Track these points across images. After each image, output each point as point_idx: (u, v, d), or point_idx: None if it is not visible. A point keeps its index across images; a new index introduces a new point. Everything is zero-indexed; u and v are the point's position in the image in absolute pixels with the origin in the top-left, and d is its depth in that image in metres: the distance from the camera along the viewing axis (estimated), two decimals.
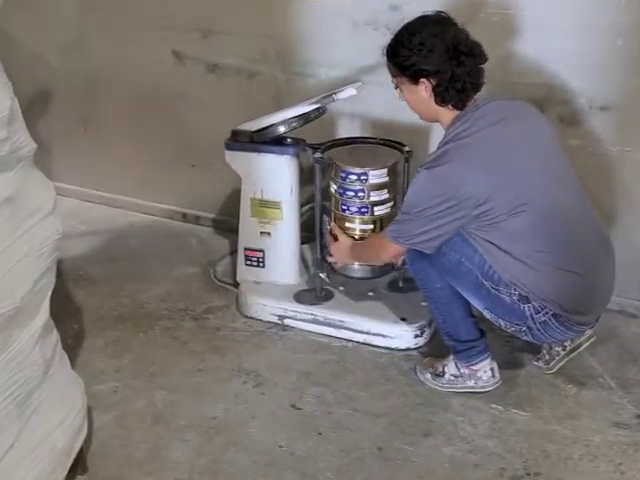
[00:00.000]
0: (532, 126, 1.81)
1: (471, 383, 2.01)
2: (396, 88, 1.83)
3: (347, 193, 2.15)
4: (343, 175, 2.14)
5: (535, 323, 1.81)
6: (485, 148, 1.74)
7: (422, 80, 1.75)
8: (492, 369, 2.01)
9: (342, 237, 2.11)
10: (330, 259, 2.16)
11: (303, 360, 2.18)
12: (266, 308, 2.34)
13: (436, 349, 2.17)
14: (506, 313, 1.83)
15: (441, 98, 1.76)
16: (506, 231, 1.75)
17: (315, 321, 2.28)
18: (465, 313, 1.96)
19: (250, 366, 2.14)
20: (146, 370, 2.13)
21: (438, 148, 1.78)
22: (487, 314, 1.88)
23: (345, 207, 2.17)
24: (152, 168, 2.97)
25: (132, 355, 2.19)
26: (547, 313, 1.78)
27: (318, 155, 2.17)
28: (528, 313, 1.80)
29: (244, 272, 2.43)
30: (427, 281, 1.93)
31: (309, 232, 2.41)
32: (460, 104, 1.76)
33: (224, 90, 2.69)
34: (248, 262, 2.41)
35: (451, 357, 2.03)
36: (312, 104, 2.21)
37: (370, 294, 2.34)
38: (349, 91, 2.15)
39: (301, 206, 2.38)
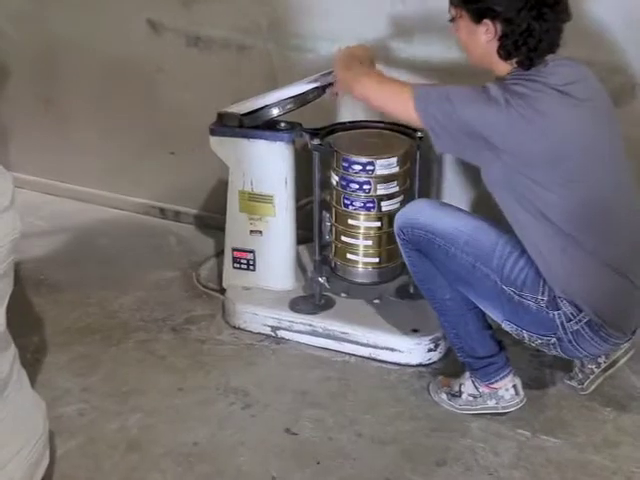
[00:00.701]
0: (604, 99, 1.79)
1: (492, 403, 2.00)
2: (451, 20, 1.79)
3: (350, 185, 2.15)
4: (346, 165, 2.14)
5: (566, 333, 1.78)
6: (559, 101, 1.68)
7: (486, 21, 1.70)
8: (515, 386, 2.00)
9: (353, 48, 1.98)
10: (334, 77, 2.02)
11: (299, 378, 2.18)
12: (257, 318, 2.34)
13: (452, 365, 2.16)
14: (531, 323, 1.81)
15: (506, 52, 1.72)
16: (548, 205, 1.71)
17: (313, 333, 2.28)
18: (480, 325, 1.95)
19: (238, 385, 2.14)
20: (118, 390, 2.13)
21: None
22: (507, 326, 1.86)
23: (348, 202, 2.17)
24: (125, 156, 2.97)
25: (102, 372, 2.19)
26: (580, 321, 1.76)
27: (317, 142, 2.16)
28: (558, 321, 1.78)
29: (231, 276, 2.43)
30: (435, 291, 1.93)
31: (306, 230, 2.41)
32: (527, 63, 1.70)
33: (208, 66, 2.68)
34: (236, 265, 2.40)
35: (467, 374, 2.03)
36: (310, 83, 2.19)
37: (376, 302, 2.34)
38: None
39: (297, 200, 2.37)
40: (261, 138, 2.25)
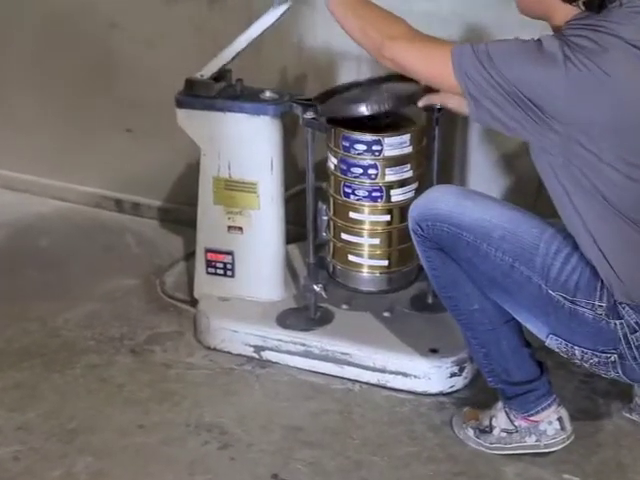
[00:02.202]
0: None
1: (531, 441, 2.00)
2: None
3: (352, 170, 2.15)
4: (346, 144, 2.14)
5: (630, 348, 1.78)
6: (634, 61, 1.66)
7: None
8: (560, 419, 1.99)
9: None
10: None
11: (290, 410, 2.18)
12: (237, 336, 2.33)
13: (481, 394, 2.16)
14: (586, 337, 1.81)
15: None
16: (613, 187, 1.69)
17: (307, 354, 2.28)
18: (517, 342, 1.95)
19: (214, 419, 2.14)
20: (63, 427, 2.12)
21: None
22: (554, 342, 1.85)
23: (349, 190, 2.17)
24: (69, 133, 2.96)
25: (42, 406, 2.18)
26: None
27: (310, 115, 2.15)
28: (620, 333, 1.77)
29: (205, 284, 2.44)
30: (459, 300, 1.92)
31: (298, 226, 2.42)
32: (598, 3, 1.66)
33: (174, 20, 2.69)
34: (211, 270, 2.41)
35: (500, 405, 2.03)
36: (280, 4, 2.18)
37: (386, 315, 2.34)
38: None
39: (286, 189, 2.37)
40: (240, 111, 2.25)
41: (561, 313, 1.79)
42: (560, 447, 2.00)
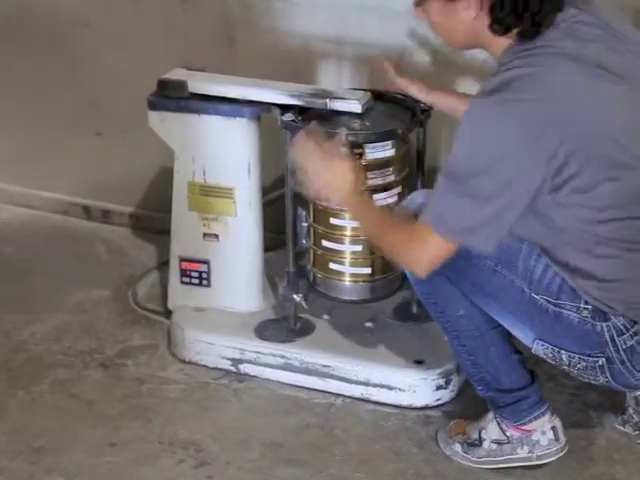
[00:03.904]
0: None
1: (523, 452, 2.01)
2: (416, 5, 1.77)
3: None
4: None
5: (618, 351, 1.79)
6: (581, 73, 1.66)
7: None
8: (554, 428, 2.00)
9: (344, 160, 1.84)
10: (313, 191, 1.89)
11: (270, 426, 2.17)
12: (213, 348, 2.33)
13: (470, 407, 2.16)
14: (572, 340, 1.81)
15: (503, 25, 1.67)
16: (593, 200, 1.69)
17: (287, 367, 2.28)
18: (505, 349, 1.95)
19: (189, 436, 2.13)
20: (29, 446, 2.11)
21: (503, 67, 1.67)
22: (540, 348, 1.86)
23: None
24: (36, 137, 2.95)
25: (7, 423, 2.17)
26: (637, 333, 1.78)
27: (289, 117, 2.16)
28: (607, 335, 1.78)
29: (179, 295, 2.43)
30: (444, 307, 1.92)
31: (276, 233, 2.42)
32: (533, 31, 1.66)
33: (145, 19, 2.69)
34: (185, 279, 2.41)
35: (491, 416, 2.03)
36: (288, 95, 2.17)
37: (369, 325, 2.35)
38: (352, 105, 2.12)
39: (264, 194, 2.38)
40: (216, 113, 2.25)
41: (545, 317, 1.80)
42: (554, 458, 2.00)
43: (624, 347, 1.78)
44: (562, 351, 1.83)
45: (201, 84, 2.26)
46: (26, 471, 2.04)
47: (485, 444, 2.03)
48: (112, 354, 2.40)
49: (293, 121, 2.15)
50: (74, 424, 2.17)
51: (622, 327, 1.77)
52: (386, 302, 2.32)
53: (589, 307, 1.77)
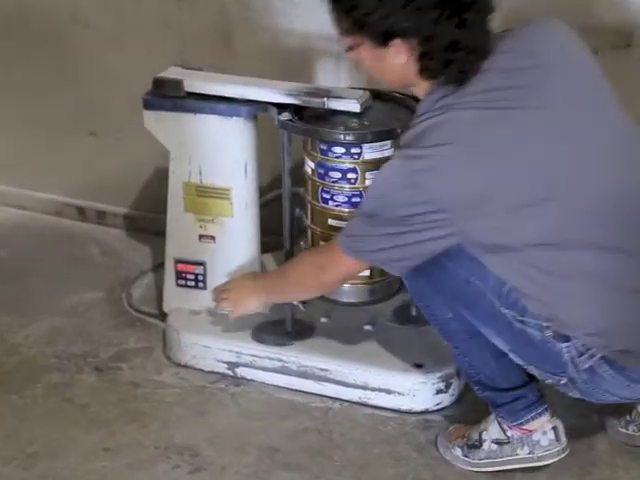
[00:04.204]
0: (575, 67, 1.79)
1: (524, 453, 2.01)
2: (348, 51, 1.82)
3: (331, 174, 2.15)
4: (324, 147, 2.14)
5: (579, 372, 1.80)
6: (492, 119, 1.71)
7: (395, 42, 1.73)
8: (555, 428, 2.01)
9: (235, 279, 2.26)
10: (224, 310, 2.24)
11: (267, 430, 2.17)
12: (209, 352, 2.33)
13: (469, 412, 2.17)
14: (538, 357, 1.84)
15: (430, 73, 1.75)
16: (528, 230, 1.73)
17: (284, 370, 2.28)
18: (499, 350, 1.94)
19: (184, 441, 2.13)
20: (22, 451, 2.11)
21: (418, 118, 1.76)
22: (515, 358, 1.89)
23: (327, 196, 2.17)
24: (29, 138, 2.95)
25: (0, 429, 2.17)
26: (594, 356, 1.79)
27: (286, 116, 2.16)
28: (567, 356, 1.80)
29: (175, 297, 2.43)
30: (435, 310, 1.94)
31: (273, 235, 2.41)
32: (460, 78, 1.72)
33: (141, 17, 2.69)
34: (181, 282, 2.40)
35: (492, 417, 2.04)
36: (285, 94, 2.18)
37: (368, 328, 2.34)
38: (350, 104, 2.13)
39: (261, 195, 2.38)
40: (212, 112, 2.25)
41: (513, 332, 1.83)
42: (555, 459, 2.00)
43: (584, 368, 1.79)
44: (531, 366, 1.87)
45: (197, 83, 2.25)
46: (19, 477, 2.04)
47: (485, 445, 2.03)
48: (106, 357, 2.40)
49: (290, 120, 2.15)
50: (68, 429, 2.17)
51: (582, 347, 1.78)
52: (385, 305, 2.32)
53: (551, 326, 1.79)
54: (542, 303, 1.77)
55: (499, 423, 2.02)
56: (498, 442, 2.02)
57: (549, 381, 1.88)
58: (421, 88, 1.80)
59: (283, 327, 2.32)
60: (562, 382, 1.84)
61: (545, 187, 1.71)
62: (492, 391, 1.99)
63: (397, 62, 1.75)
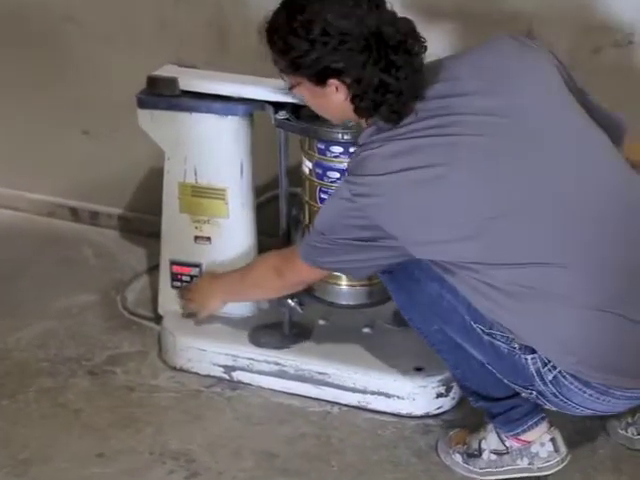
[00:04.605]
0: (532, 89, 1.77)
1: (523, 463, 2.01)
2: (290, 89, 1.87)
3: (329, 174, 2.15)
4: (322, 146, 2.14)
5: (546, 384, 1.80)
6: (426, 147, 1.72)
7: (331, 81, 1.76)
8: (553, 439, 2.01)
9: (198, 280, 2.35)
10: (185, 308, 2.34)
11: (264, 435, 2.17)
12: (205, 355, 2.33)
13: (470, 416, 2.17)
14: (509, 370, 1.85)
15: (363, 113, 1.79)
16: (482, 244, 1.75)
17: (282, 374, 2.28)
18: None
19: (180, 446, 2.13)
20: (14, 457, 2.10)
21: (359, 148, 1.79)
22: (492, 370, 1.90)
23: (326, 196, 2.17)
24: (20, 137, 2.95)
25: None
26: (555, 367, 1.79)
27: (283, 115, 2.15)
28: (533, 368, 1.80)
29: (170, 299, 2.43)
30: (418, 322, 1.97)
31: (270, 236, 2.42)
32: (393, 118, 1.75)
33: (135, 13, 2.69)
34: (177, 284, 2.41)
35: (490, 425, 2.04)
36: (283, 92, 2.16)
37: (367, 331, 2.35)
38: None
39: (258, 195, 2.38)
40: (208, 111, 2.25)
41: (483, 345, 1.85)
42: (555, 470, 2.00)
43: (549, 379, 1.79)
44: (506, 380, 1.88)
45: (193, 81, 2.25)
46: None
47: (485, 455, 2.03)
48: (100, 361, 2.39)
49: (287, 119, 2.14)
50: (61, 434, 2.16)
51: (545, 359, 1.78)
52: (384, 307, 2.31)
53: (516, 338, 1.79)
54: (499, 318, 1.78)
55: (497, 433, 2.02)
56: (497, 452, 2.02)
57: (524, 395, 1.88)
58: (362, 122, 1.84)
59: (281, 330, 2.32)
60: (532, 396, 1.85)
61: (489, 206, 1.71)
62: (486, 401, 1.99)
63: (336, 100, 1.79)
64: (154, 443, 2.14)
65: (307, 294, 2.28)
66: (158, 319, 2.46)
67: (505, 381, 1.88)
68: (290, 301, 2.27)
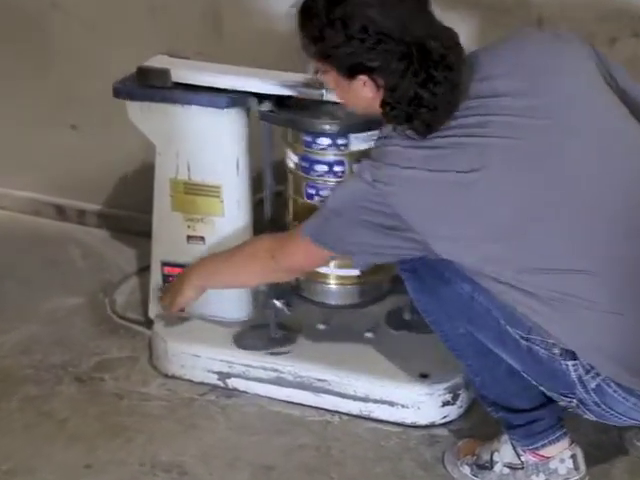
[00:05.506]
0: (570, 87, 1.76)
1: (539, 479, 2.00)
2: (315, 74, 1.87)
3: (315, 168, 2.16)
4: (308, 139, 2.14)
5: (588, 392, 1.79)
6: (460, 146, 1.72)
7: (361, 77, 1.76)
8: (574, 456, 1.99)
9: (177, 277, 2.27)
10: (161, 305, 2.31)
11: (261, 446, 2.17)
12: (199, 361, 2.33)
13: (479, 426, 2.17)
14: (547, 376, 1.84)
15: (393, 120, 1.78)
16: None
17: (279, 381, 2.28)
18: (514, 368, 1.93)
19: (172, 458, 2.13)
20: None
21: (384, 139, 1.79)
22: (527, 377, 1.89)
23: (313, 191, 2.18)
24: (3, 131, 2.96)
25: None
26: (599, 374, 1.78)
27: (267, 107, 2.17)
28: (574, 375, 1.79)
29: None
30: (444, 324, 1.94)
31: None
32: (423, 131, 1.75)
33: (124, 1, 2.70)
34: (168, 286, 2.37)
35: (505, 437, 2.02)
36: (281, 85, 2.19)
37: (369, 335, 2.34)
38: None
39: (254, 192, 2.37)
40: (201, 104, 2.24)
41: (520, 351, 1.83)
42: None
43: (592, 388, 1.78)
44: (542, 387, 1.88)
45: (185, 72, 2.25)
46: None
47: (497, 467, 2.02)
48: (88, 368, 2.39)
49: (270, 111, 2.15)
50: (46, 444, 2.16)
51: (587, 366, 1.78)
52: (377, 308, 2.32)
53: (557, 344, 1.79)
54: (536, 324, 1.77)
55: (513, 446, 2.00)
56: (511, 466, 2.01)
57: (562, 403, 1.87)
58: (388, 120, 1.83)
59: (267, 332, 2.32)
60: (572, 404, 1.83)
61: (520, 210, 1.71)
62: (507, 412, 1.97)
63: (361, 94, 1.79)
64: (144, 454, 2.13)
65: (295, 294, 2.28)
66: (149, 323, 2.46)
67: (542, 388, 1.87)
68: (276, 302, 2.27)
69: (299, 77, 2.21)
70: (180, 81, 2.24)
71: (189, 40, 2.48)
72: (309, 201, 2.18)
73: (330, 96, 2.12)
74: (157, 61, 2.29)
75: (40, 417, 2.24)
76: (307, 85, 2.17)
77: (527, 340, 1.80)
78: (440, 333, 1.97)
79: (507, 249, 1.72)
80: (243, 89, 2.21)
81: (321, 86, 2.14)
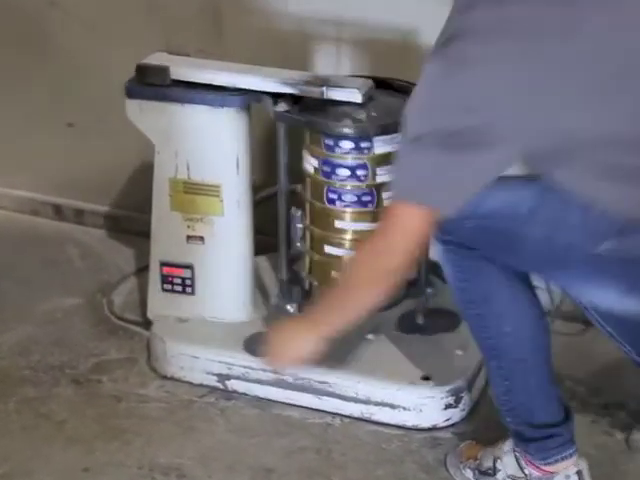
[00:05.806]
0: None
1: None
2: None
3: (338, 172, 2.16)
4: (330, 142, 2.13)
5: None
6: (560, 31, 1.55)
7: None
8: (580, 472, 1.97)
9: (286, 325, 1.95)
10: (276, 362, 1.96)
11: (261, 449, 2.17)
12: (198, 363, 2.33)
13: (481, 429, 2.16)
14: None
15: None
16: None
17: (280, 383, 2.28)
18: (546, 378, 1.93)
19: (171, 460, 2.13)
20: None
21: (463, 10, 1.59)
22: (633, 302, 1.80)
23: (335, 195, 2.18)
24: (0, 130, 2.95)
25: None
26: None
27: (283, 107, 2.15)
28: None
29: (160, 303, 2.44)
30: (489, 320, 1.88)
31: (267, 235, 2.42)
32: None
33: None
34: (167, 286, 2.41)
35: (509, 447, 2.01)
36: (281, 82, 2.18)
37: (370, 337, 2.34)
38: (351, 93, 2.11)
39: (254, 192, 2.37)
40: (201, 102, 2.24)
41: (627, 267, 1.75)
42: None
43: None
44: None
45: (184, 70, 2.25)
46: None
47: (499, 476, 2.01)
48: (85, 369, 2.39)
49: (287, 112, 2.14)
50: (43, 447, 2.16)
51: None
52: (390, 313, 2.31)
53: None
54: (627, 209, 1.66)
55: (516, 457, 1.98)
56: (513, 478, 2.00)
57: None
58: None
59: None
60: None
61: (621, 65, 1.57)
62: (525, 425, 1.94)
63: None
64: (143, 456, 2.13)
65: (307, 299, 2.28)
66: (147, 324, 2.46)
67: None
68: (289, 307, 2.28)
69: (300, 75, 2.21)
70: (179, 79, 2.24)
71: (189, 38, 2.48)
72: (330, 206, 2.17)
73: (330, 94, 2.13)
74: (156, 58, 2.29)
75: (37, 419, 2.24)
76: (308, 83, 2.17)
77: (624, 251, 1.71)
78: (481, 330, 1.90)
79: (601, 117, 1.58)
80: (243, 87, 2.20)
81: (322, 84, 2.15)
